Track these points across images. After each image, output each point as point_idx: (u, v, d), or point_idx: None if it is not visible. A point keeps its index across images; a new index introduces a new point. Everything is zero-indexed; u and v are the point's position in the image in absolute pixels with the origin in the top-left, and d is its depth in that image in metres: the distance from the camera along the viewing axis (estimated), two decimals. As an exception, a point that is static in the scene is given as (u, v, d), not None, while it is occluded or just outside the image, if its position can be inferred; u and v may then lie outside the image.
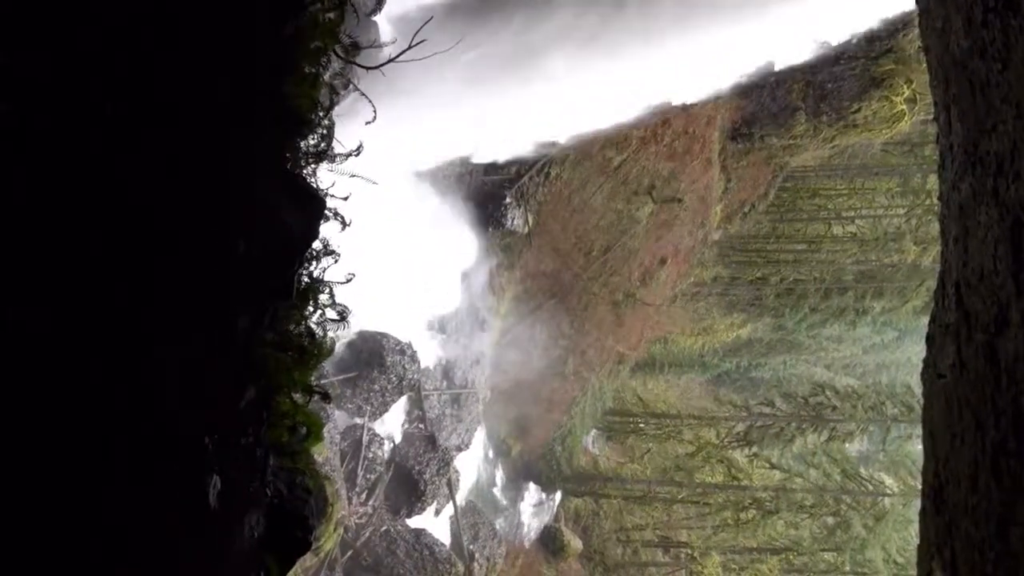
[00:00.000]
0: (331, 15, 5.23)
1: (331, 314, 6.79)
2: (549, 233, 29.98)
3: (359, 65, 6.45)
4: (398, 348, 23.88)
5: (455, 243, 26.17)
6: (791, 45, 26.79)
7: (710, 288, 44.10)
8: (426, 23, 7.25)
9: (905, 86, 32.09)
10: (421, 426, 26.31)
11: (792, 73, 30.86)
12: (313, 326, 6.47)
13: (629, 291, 35.92)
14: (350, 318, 7.05)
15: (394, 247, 23.42)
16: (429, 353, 26.94)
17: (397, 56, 6.75)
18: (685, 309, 43.30)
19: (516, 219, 27.75)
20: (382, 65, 6.74)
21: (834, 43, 28.29)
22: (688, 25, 21.55)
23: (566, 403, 36.66)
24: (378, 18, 18.31)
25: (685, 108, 27.43)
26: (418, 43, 6.76)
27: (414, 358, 24.38)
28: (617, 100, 23.57)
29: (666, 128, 30.34)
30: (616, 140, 28.84)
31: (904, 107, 32.64)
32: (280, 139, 4.96)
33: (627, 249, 33.76)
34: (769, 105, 33.36)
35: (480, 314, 28.75)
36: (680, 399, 49.85)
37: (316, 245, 6.17)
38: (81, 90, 2.98)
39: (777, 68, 28.12)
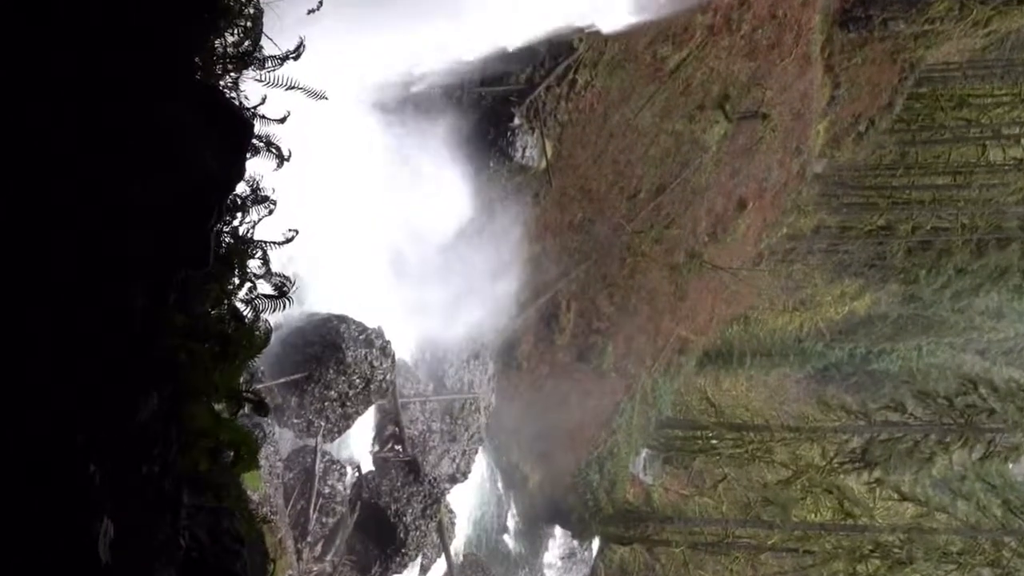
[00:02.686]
0: None
1: (266, 288, 6.80)
2: (576, 168, 29.84)
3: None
4: (363, 337, 23.93)
5: (441, 186, 26.11)
6: None
7: (811, 243, 43.91)
8: None
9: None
10: (398, 448, 26.43)
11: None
12: (240, 305, 6.49)
13: (693, 250, 35.78)
14: (294, 294, 7.07)
15: (354, 193, 23.37)
16: (407, 343, 27.01)
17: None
18: (775, 274, 43.16)
19: (529, 148, 27.61)
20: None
21: None
22: None
23: (605, 412, 36.75)
24: None
25: None
26: None
27: (386, 351, 24.43)
28: None
29: (744, 11, 30.01)
30: (672, 30, 28.55)
31: (1093, -27, 32.14)
32: (187, 34, 4.92)
33: (690, 189, 33.58)
34: (895, -26, 32.93)
35: (480, 288, 28.75)
36: (769, 404, 49.91)
37: (241, 188, 6.16)
38: None
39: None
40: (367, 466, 26.02)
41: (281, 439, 22.97)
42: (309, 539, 23.14)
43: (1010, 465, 37.53)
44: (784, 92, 33.61)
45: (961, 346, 57.17)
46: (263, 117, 6.64)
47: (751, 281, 40.95)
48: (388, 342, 24.55)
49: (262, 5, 6.66)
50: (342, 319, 24.00)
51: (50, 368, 3.50)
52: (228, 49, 6.21)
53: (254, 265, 6.65)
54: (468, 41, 24.20)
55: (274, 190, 6.81)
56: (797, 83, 33.79)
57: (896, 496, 37.34)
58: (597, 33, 26.68)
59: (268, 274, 6.81)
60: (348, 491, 24.57)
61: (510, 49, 25.20)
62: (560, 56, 27.21)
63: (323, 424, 23.52)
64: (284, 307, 6.98)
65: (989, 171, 43.19)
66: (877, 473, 37.52)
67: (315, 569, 23.47)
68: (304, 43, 6.74)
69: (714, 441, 42.58)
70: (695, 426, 43.26)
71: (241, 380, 6.70)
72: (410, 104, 25.12)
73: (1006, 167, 43.12)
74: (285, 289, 6.91)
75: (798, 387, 55.93)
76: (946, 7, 33.78)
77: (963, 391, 36.78)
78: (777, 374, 54.12)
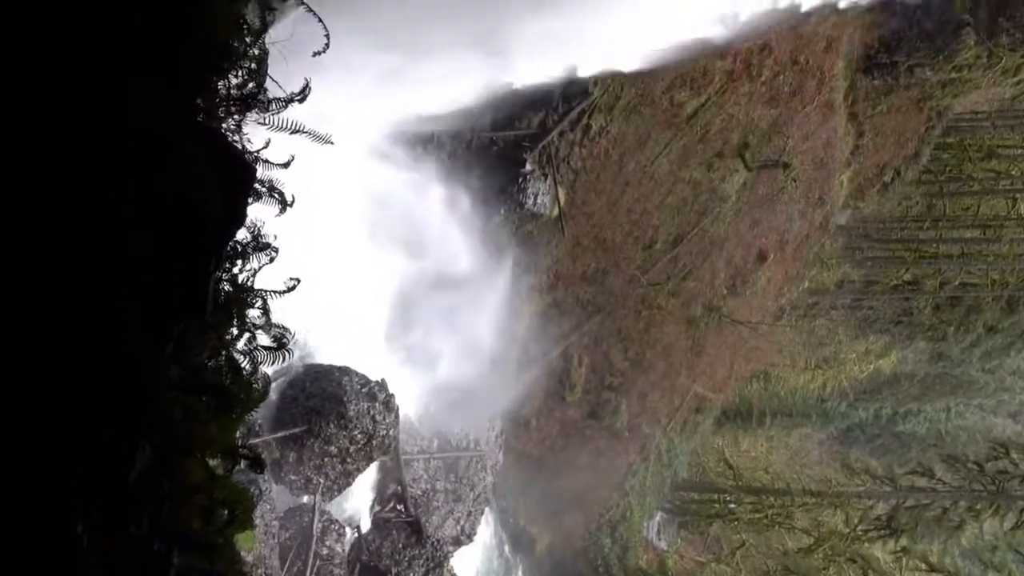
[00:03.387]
0: None
1: (265, 339, 6.80)
2: (590, 216, 29.93)
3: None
4: (365, 390, 23.91)
5: (448, 237, 26.21)
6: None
7: (834, 298, 43.87)
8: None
9: None
10: (400, 508, 26.28)
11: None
12: (239, 357, 6.48)
13: (711, 303, 35.75)
14: (293, 345, 7.07)
15: (359, 240, 23.48)
16: (411, 397, 26.95)
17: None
18: (796, 330, 43.06)
19: (541, 196, 27.71)
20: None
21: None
22: None
23: (618, 473, 36.53)
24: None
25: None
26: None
27: (389, 405, 24.39)
28: None
29: (765, 56, 30.25)
30: (690, 75, 28.77)
31: None
32: (189, 76, 4.97)
33: (708, 240, 33.64)
34: (921, 21, 33.17)
35: (488, 342, 28.74)
36: (790, 466, 49.55)
37: (242, 235, 6.18)
38: None
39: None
40: (367, 526, 25.86)
41: (278, 496, 22.84)
42: (305, 603, 22.95)
43: (1045, 535, 37.14)
44: (806, 140, 33.76)
45: (992, 408, 56.86)
46: (266, 161, 6.68)
47: (771, 337, 40.87)
48: (391, 396, 24.50)
49: (267, 47, 6.74)
50: (344, 371, 23.98)
51: (42, 433, 3.49)
52: (231, 91, 6.26)
53: (253, 315, 6.65)
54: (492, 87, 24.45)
55: (276, 237, 6.84)
56: (820, 131, 33.94)
57: (924, 566, 36.98)
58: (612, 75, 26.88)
59: (268, 324, 6.82)
60: (347, 552, 24.40)
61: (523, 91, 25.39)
62: (574, 100, 27.35)
63: (322, 481, 23.40)
64: (284, 359, 6.98)
65: (1020, 225, 43.23)
66: (903, 542, 37.17)
67: (310, 635, 23.24)
68: (310, 85, 6.80)
69: (732, 505, 42.24)
70: (712, 489, 42.95)
71: (237, 434, 6.67)
72: (418, 148, 25.29)
73: (1038, 221, 43.22)
74: (284, 340, 6.91)
75: (820, 449, 55.61)
76: (974, 54, 34.02)
77: (994, 456, 36.55)
78: (798, 435, 53.86)
